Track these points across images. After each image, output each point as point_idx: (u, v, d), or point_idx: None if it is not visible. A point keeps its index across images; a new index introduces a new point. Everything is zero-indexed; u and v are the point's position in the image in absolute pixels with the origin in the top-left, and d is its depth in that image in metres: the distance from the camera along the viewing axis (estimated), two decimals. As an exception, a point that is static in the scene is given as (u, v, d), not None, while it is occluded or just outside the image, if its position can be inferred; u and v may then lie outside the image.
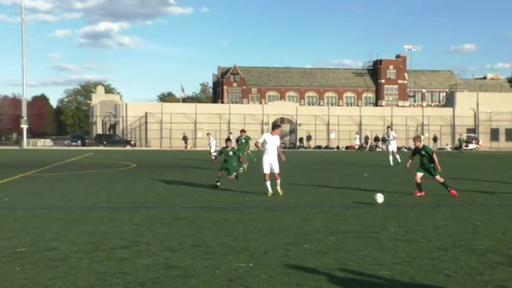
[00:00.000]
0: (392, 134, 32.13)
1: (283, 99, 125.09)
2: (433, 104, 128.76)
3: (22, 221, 10.75)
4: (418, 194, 15.67)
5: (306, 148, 75.52)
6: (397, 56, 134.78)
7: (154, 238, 9.13)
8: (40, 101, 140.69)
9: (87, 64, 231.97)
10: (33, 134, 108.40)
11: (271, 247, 8.48)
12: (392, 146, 31.17)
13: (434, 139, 78.68)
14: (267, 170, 15.24)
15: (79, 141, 79.31)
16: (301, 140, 78.70)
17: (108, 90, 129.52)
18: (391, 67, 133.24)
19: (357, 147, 74.61)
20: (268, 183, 15.24)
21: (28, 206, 13.11)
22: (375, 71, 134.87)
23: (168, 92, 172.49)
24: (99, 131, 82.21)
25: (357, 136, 77.86)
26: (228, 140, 18.72)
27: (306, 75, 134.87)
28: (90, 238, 9.08)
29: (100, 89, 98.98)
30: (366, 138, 77.79)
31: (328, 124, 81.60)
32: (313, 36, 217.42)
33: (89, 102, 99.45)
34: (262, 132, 78.64)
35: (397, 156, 30.38)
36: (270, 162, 15.19)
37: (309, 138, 78.00)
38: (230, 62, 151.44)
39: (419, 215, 12.08)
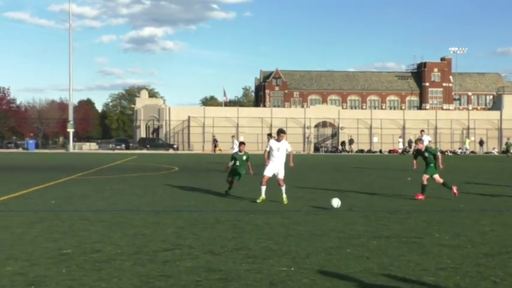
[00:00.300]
0: (427, 138, 30.70)
1: (325, 102, 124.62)
2: (479, 108, 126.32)
3: (68, 223, 10.96)
4: (419, 197, 15.63)
5: (348, 152, 75.00)
6: (442, 59, 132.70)
7: (196, 241, 9.19)
8: (86, 105, 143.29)
9: (131, 69, 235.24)
10: (79, 137, 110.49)
11: (313, 251, 8.44)
12: None
13: (481, 143, 77.19)
14: (267, 173, 14.64)
15: (123, 145, 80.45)
16: (343, 143, 78.19)
17: (152, 94, 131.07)
18: (435, 70, 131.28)
19: (400, 151, 73.69)
20: (264, 187, 14.52)
21: (74, 209, 13.36)
22: (419, 74, 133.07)
23: (211, 96, 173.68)
24: (143, 134, 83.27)
25: (400, 140, 76.90)
26: (242, 143, 17.37)
27: (348, 78, 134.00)
28: (133, 241, 9.20)
29: (144, 93, 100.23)
30: (409, 142, 76.70)
31: (370, 128, 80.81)
32: (356, 39, 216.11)
33: (133, 106, 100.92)
34: (305, 136, 78.56)
35: None
36: (276, 168, 14.61)
37: (351, 142, 77.43)
38: (272, 66, 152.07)
39: (465, 220, 11.85)
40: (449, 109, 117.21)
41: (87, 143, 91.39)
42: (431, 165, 15.83)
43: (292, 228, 10.60)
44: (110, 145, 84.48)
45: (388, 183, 21.75)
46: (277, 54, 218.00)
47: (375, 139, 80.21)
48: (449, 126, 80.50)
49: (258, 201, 14.47)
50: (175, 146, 75.74)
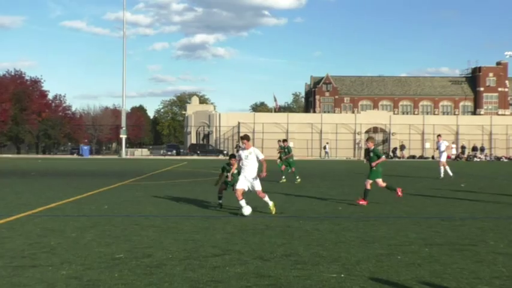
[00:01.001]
0: (444, 143, 28.99)
1: (377, 108, 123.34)
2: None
3: (120, 228, 11.15)
4: (361, 202, 15.36)
5: (399, 158, 73.98)
6: (498, 63, 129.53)
7: (246, 247, 9.22)
8: (138, 111, 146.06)
9: (183, 75, 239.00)
10: (131, 143, 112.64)
11: (364, 258, 8.35)
12: (443, 157, 28.42)
13: (537, 149, 75.12)
14: (240, 186, 13.31)
15: (174, 151, 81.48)
16: (394, 149, 77.19)
17: (203, 100, 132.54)
18: (490, 74, 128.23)
19: (453, 157, 72.30)
20: (243, 201, 13.15)
21: (126, 214, 13.58)
22: (474, 78, 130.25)
23: (261, 102, 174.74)
24: (193, 140, 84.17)
25: (454, 145, 75.44)
26: (232, 156, 14.92)
27: (400, 83, 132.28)
28: (184, 246, 9.29)
29: (195, 100, 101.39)
30: (463, 147, 75.35)
31: (422, 133, 79.56)
32: (409, 44, 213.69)
33: (184, 112, 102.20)
34: (355, 141, 77.85)
35: (441, 170, 27.80)
36: (247, 179, 13.40)
37: (402, 147, 76.40)
38: (323, 72, 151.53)
39: (521, 228, 11.52)
40: (505, 114, 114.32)
41: (139, 149, 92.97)
42: (374, 168, 15.59)
43: (343, 234, 10.52)
44: (161, 151, 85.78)
45: (441, 189, 21.33)
46: (327, 59, 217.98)
47: (427, 145, 78.86)
48: (505, 132, 78.55)
49: (245, 214, 13.03)
50: (225, 152, 76.19)
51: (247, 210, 13.12)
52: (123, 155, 73.51)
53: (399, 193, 15.93)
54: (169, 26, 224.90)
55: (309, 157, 73.41)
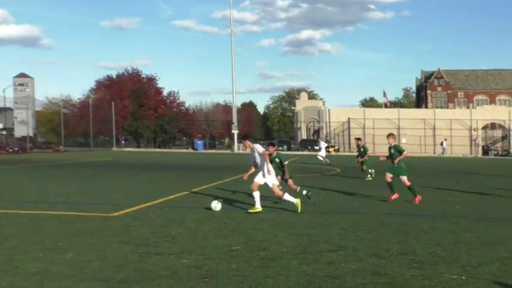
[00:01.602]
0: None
1: (494, 103, 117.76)
2: None
3: (236, 221, 11.42)
4: (393, 197, 15.24)
5: (520, 155, 70.33)
6: None
7: (360, 243, 9.15)
8: (248, 107, 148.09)
9: (290, 71, 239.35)
10: (242, 138, 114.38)
11: (485, 260, 8.02)
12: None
13: None
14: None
15: (285, 146, 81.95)
16: (514, 146, 73.48)
17: (311, 96, 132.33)
18: None
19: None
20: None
21: (241, 207, 13.87)
22: None
23: (370, 98, 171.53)
24: (304, 136, 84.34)
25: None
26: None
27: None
28: (298, 240, 9.36)
29: (303, 95, 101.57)
30: None
31: (547, 129, 75.18)
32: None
33: (293, 108, 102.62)
34: (471, 138, 74.79)
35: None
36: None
37: (523, 144, 72.62)
38: (433, 66, 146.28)
39: None
40: None
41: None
42: (396, 165, 15.19)
43: (462, 234, 10.17)
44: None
45: None
46: (438, 53, 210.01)
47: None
48: None
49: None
50: (336, 148, 75.72)
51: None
52: (235, 150, 74.91)
53: (416, 201, 14.99)
54: (275, 23, 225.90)
55: (422, 154, 71.43)
